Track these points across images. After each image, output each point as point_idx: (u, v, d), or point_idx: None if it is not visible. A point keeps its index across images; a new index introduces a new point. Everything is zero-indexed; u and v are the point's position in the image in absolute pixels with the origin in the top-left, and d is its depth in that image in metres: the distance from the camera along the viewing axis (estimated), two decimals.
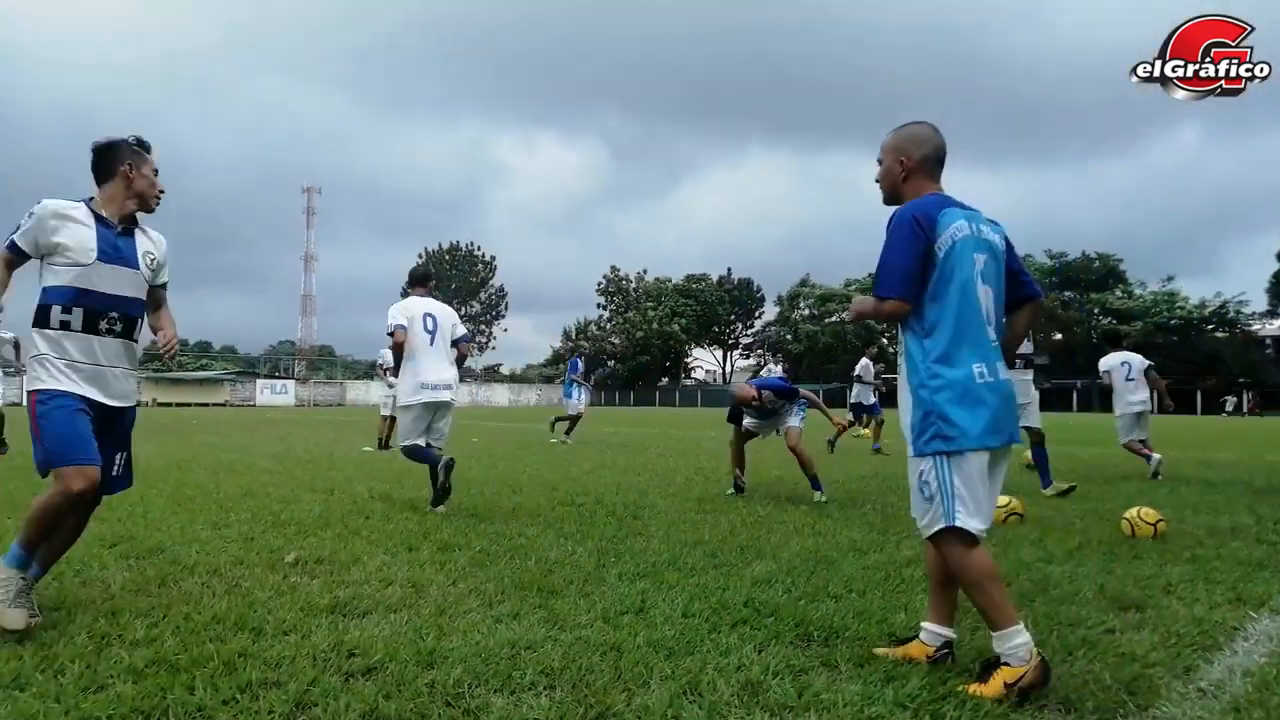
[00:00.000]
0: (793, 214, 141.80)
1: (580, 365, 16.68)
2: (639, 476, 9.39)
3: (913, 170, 3.07)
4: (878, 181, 3.21)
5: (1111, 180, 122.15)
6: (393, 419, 13.50)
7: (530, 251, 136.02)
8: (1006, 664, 2.75)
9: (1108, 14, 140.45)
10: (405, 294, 7.19)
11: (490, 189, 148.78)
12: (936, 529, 2.89)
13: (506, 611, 3.63)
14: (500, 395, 69.13)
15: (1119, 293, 70.29)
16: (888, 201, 3.17)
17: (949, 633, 3.08)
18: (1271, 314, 66.89)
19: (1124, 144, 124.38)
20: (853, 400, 15.51)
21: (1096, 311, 70.28)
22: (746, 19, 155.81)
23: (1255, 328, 67.04)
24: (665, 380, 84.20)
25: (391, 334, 6.65)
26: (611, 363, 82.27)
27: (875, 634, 3.37)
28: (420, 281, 7.03)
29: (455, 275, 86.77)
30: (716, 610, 3.69)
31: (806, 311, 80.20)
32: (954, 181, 3.08)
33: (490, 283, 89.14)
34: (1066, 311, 68.89)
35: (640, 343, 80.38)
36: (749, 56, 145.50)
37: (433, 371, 6.63)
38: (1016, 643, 2.75)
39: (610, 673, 2.89)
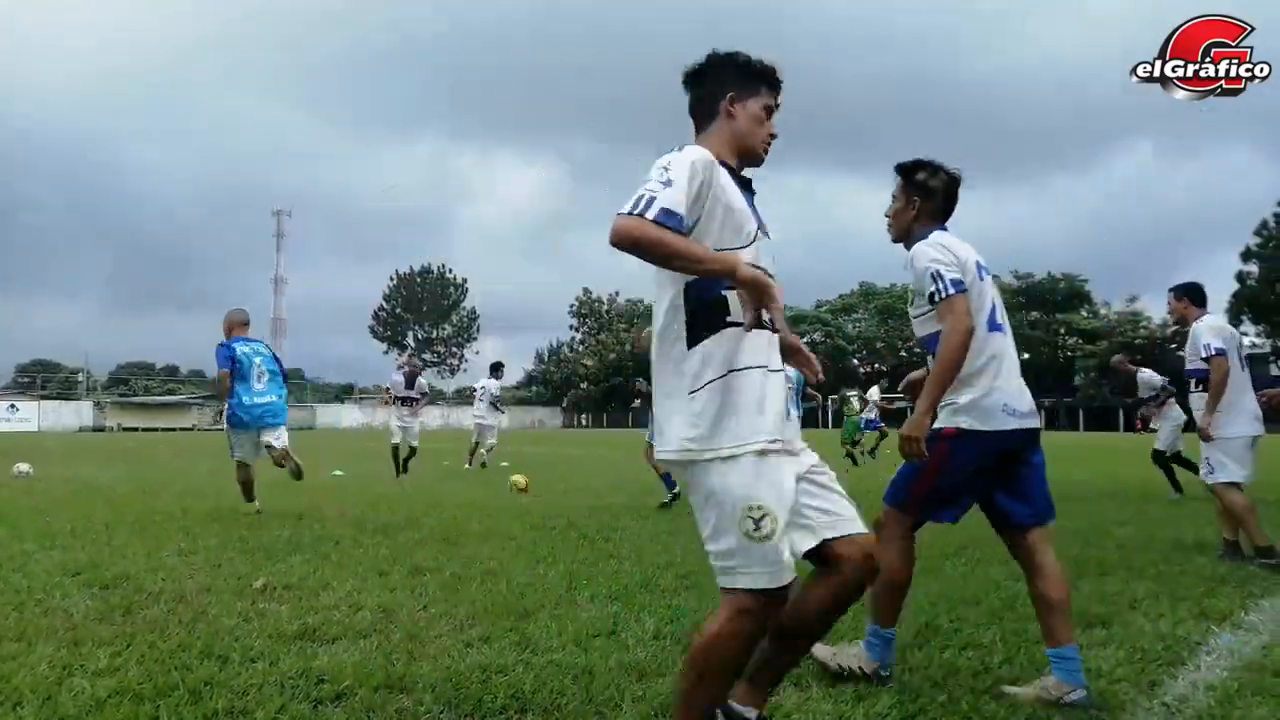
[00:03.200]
0: None
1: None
2: (611, 499, 9.38)
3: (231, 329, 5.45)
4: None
5: (1076, 199, 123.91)
6: (410, 447, 13.68)
7: (502, 273, 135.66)
8: None
9: (1071, 32, 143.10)
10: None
11: (461, 210, 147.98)
12: None
13: (477, 635, 3.61)
14: (471, 418, 68.44)
15: (1084, 313, 71.40)
16: None
17: None
18: None
19: (1087, 163, 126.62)
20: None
21: (1062, 331, 71.31)
22: (708, 35, 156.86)
23: None
24: (639, 402, 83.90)
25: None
26: (585, 384, 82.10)
27: None
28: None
29: (426, 298, 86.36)
30: (689, 632, 3.69)
31: None
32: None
33: (462, 305, 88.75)
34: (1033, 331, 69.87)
35: (613, 365, 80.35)
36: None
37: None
38: None
39: (582, 696, 2.88)
